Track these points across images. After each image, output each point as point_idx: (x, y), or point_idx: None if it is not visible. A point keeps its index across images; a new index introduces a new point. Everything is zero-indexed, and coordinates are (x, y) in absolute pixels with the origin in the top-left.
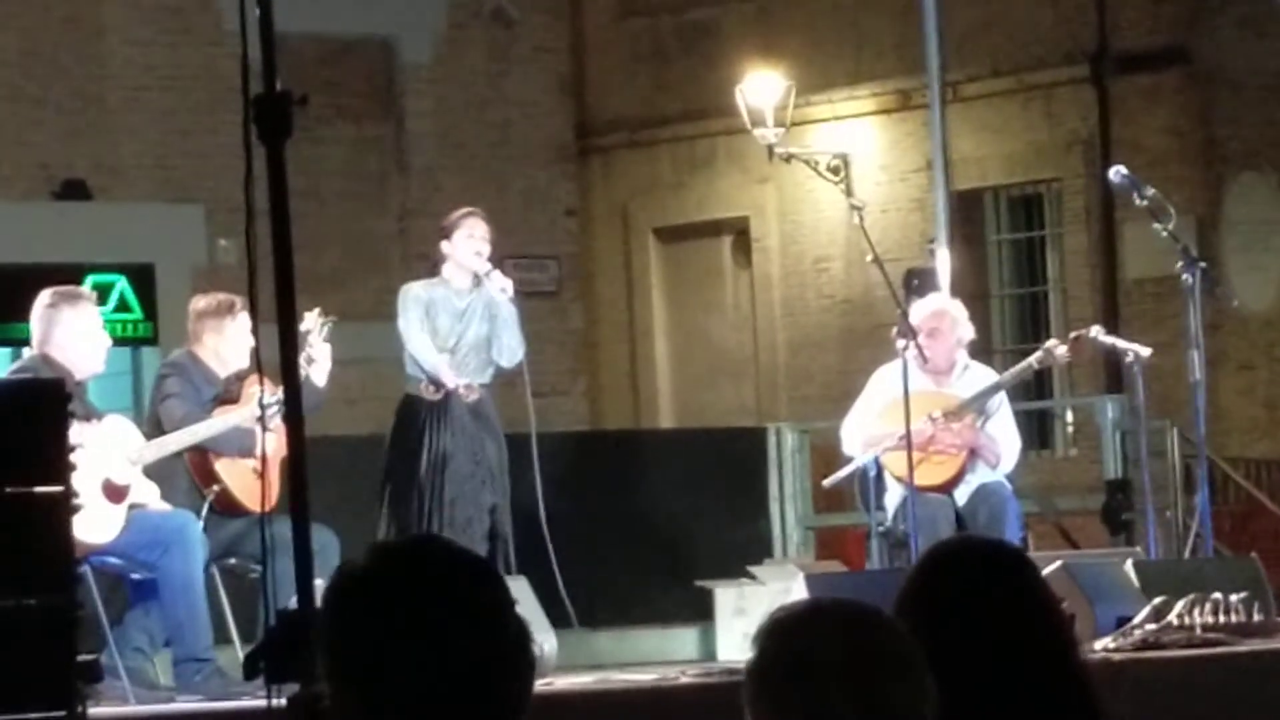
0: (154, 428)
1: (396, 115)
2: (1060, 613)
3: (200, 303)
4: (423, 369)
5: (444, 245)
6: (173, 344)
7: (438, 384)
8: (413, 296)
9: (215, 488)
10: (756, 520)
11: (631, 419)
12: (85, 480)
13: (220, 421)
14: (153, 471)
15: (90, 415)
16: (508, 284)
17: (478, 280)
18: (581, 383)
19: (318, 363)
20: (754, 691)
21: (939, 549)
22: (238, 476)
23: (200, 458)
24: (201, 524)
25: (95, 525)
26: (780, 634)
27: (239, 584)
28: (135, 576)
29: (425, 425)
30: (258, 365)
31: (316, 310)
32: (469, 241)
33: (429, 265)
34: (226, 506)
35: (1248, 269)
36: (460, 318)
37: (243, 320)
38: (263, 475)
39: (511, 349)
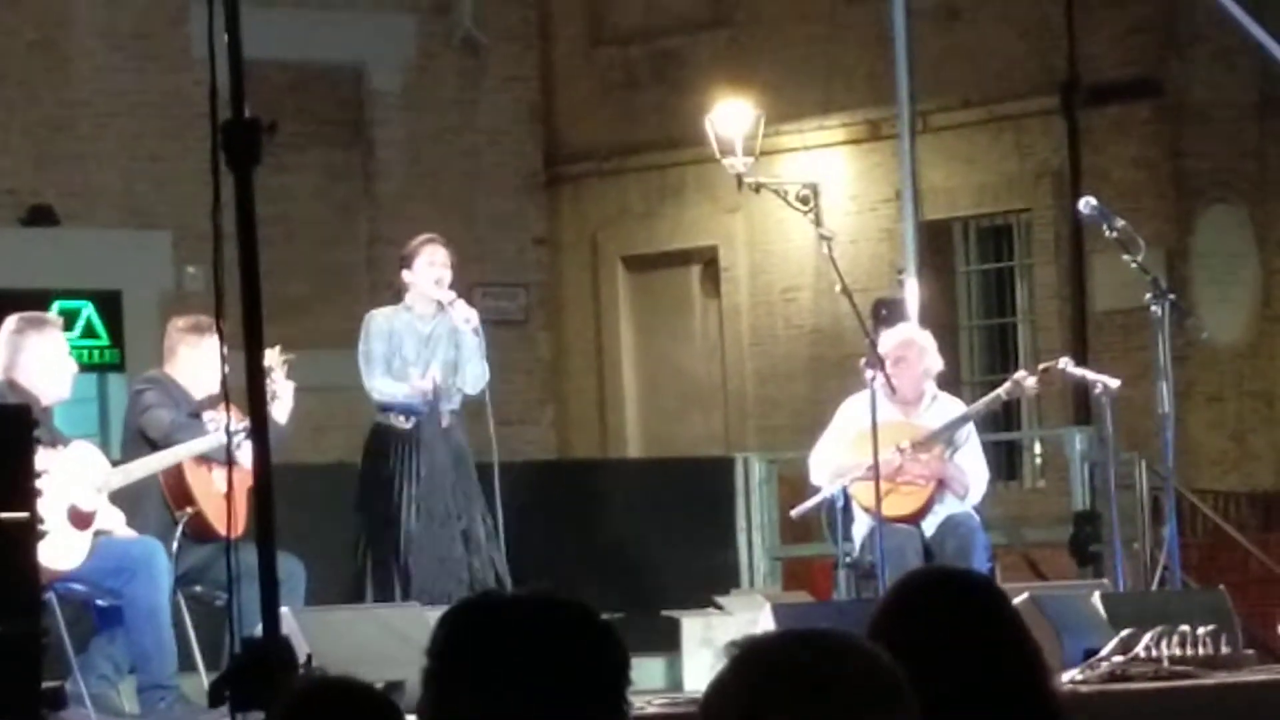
0: (134, 443)
1: (365, 143)
2: (1032, 642)
3: (180, 321)
4: (394, 401)
5: (405, 273)
6: (140, 370)
7: (408, 413)
8: (375, 327)
9: (189, 510)
10: (724, 550)
11: (599, 448)
12: (51, 506)
13: (202, 441)
14: (125, 493)
15: (56, 441)
16: (471, 314)
17: (441, 305)
18: (549, 412)
19: (280, 400)
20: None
21: (909, 579)
22: (212, 499)
23: (175, 479)
24: (175, 545)
25: (61, 552)
26: (757, 658)
27: (204, 611)
28: (100, 603)
29: (397, 455)
30: (224, 392)
31: (277, 347)
32: (429, 269)
33: (392, 292)
34: (198, 530)
35: (1217, 301)
36: (426, 343)
37: (216, 343)
38: (229, 503)
39: (475, 377)
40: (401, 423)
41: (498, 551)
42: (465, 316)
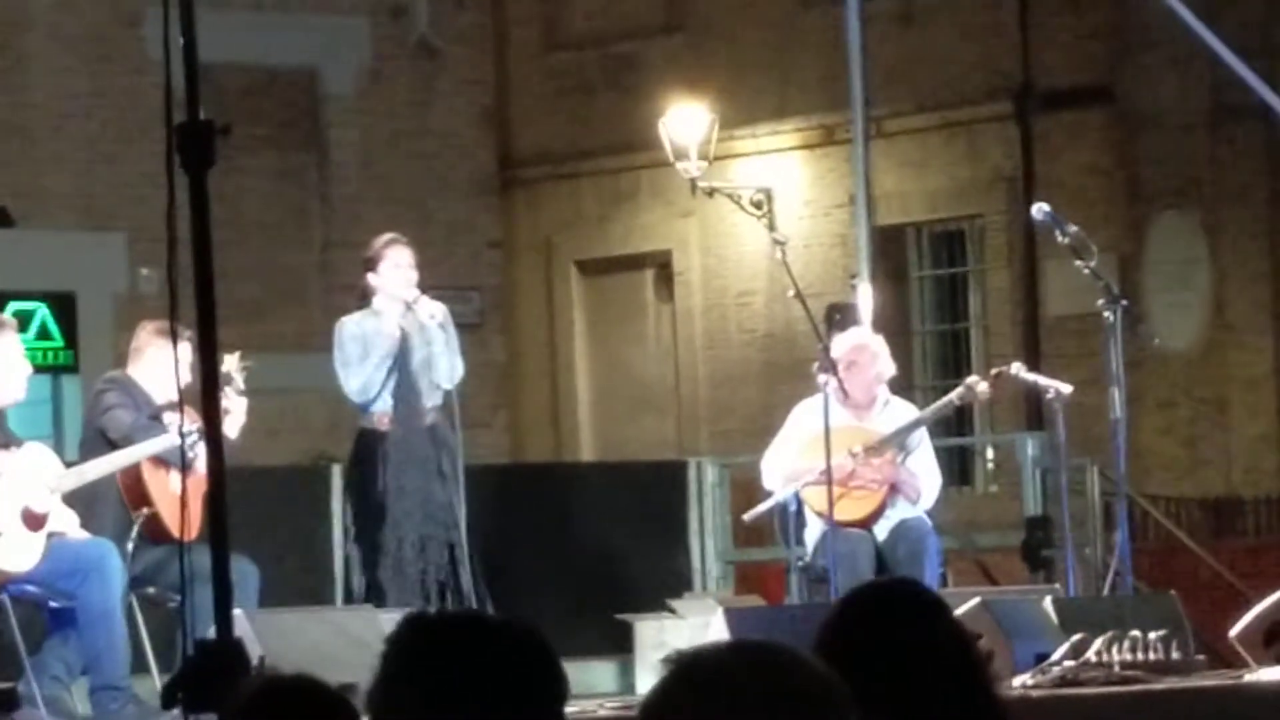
0: (93, 442)
1: (320, 146)
2: (976, 652)
3: (151, 324)
4: (377, 401)
5: (370, 277)
6: (94, 372)
7: (388, 415)
8: (347, 333)
9: (145, 510)
10: (676, 554)
11: (553, 452)
12: (4, 508)
13: (159, 442)
14: (82, 494)
15: (9, 443)
16: (437, 309)
17: (409, 307)
18: (503, 415)
19: (233, 414)
20: None
21: (853, 595)
22: (168, 501)
23: (133, 479)
24: (130, 546)
25: (13, 553)
26: (696, 672)
27: (157, 613)
28: (53, 605)
29: (382, 457)
30: (179, 394)
31: (237, 354)
32: (397, 271)
33: (357, 296)
34: (154, 531)
35: (1169, 307)
36: (395, 346)
37: (186, 347)
38: (183, 504)
39: (449, 370)
40: (385, 424)
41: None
42: (431, 312)
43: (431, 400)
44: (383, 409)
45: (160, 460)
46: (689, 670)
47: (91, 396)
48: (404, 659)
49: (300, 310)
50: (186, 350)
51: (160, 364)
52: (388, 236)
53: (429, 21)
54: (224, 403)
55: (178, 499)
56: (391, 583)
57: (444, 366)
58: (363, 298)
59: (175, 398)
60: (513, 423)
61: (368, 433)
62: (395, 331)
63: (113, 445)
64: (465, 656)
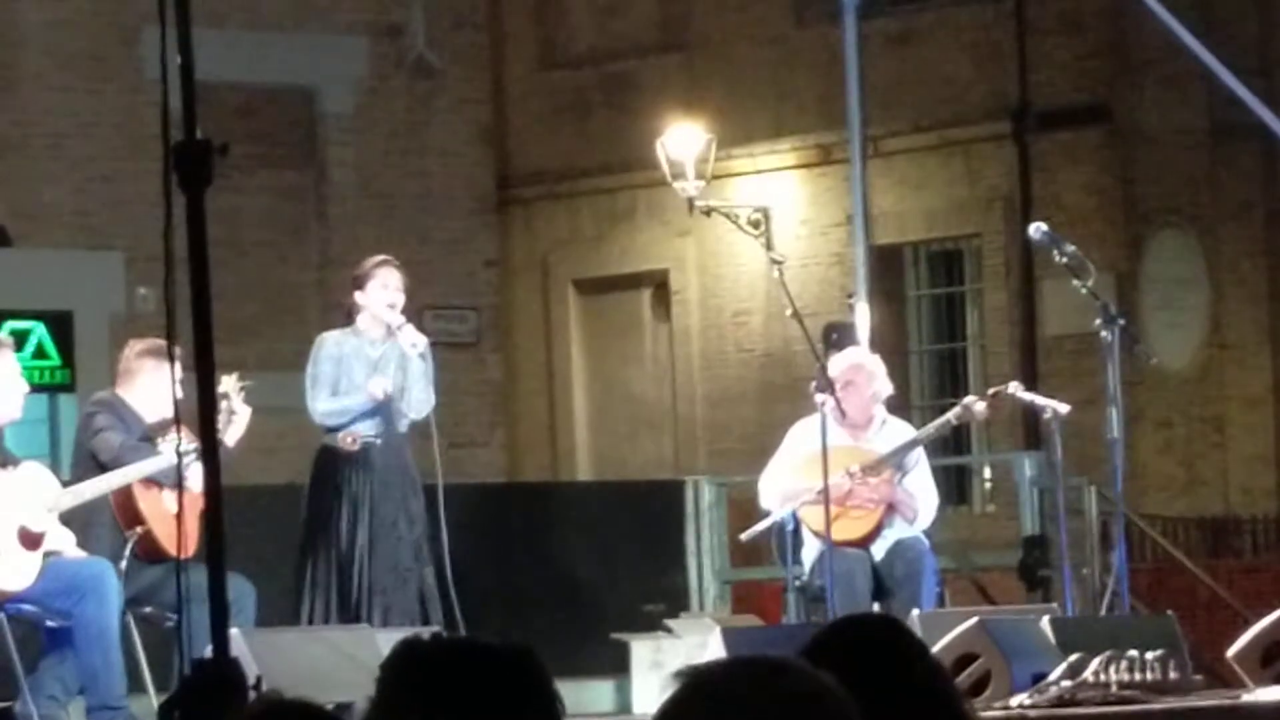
0: (84, 464)
1: (317, 165)
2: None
3: (140, 344)
4: (342, 421)
5: (357, 295)
6: (91, 391)
7: (355, 435)
8: (324, 351)
9: (138, 529)
10: (673, 573)
11: (550, 471)
12: (1, 527)
13: (152, 463)
14: (76, 514)
15: (6, 462)
16: (419, 339)
17: (392, 331)
18: (500, 434)
19: (237, 423)
20: None
21: (826, 631)
22: (161, 520)
23: (125, 499)
24: (124, 565)
25: (10, 572)
26: (705, 687)
27: (154, 632)
28: (50, 624)
29: (344, 477)
30: (176, 413)
31: (235, 374)
32: (382, 292)
33: (343, 314)
34: (148, 550)
35: (1167, 327)
36: (375, 367)
37: (176, 365)
38: (179, 524)
39: (420, 402)
40: (349, 444)
41: (431, 573)
42: (412, 341)
43: (399, 428)
44: (349, 429)
45: (151, 479)
46: (701, 682)
47: (81, 418)
48: (399, 683)
49: (298, 329)
50: (177, 368)
51: (149, 383)
52: (379, 258)
53: (426, 40)
54: (227, 406)
55: (171, 517)
56: (320, 606)
57: (417, 397)
58: (348, 315)
59: (167, 416)
60: (509, 441)
61: (330, 450)
62: (373, 354)
63: (103, 468)
64: (460, 680)
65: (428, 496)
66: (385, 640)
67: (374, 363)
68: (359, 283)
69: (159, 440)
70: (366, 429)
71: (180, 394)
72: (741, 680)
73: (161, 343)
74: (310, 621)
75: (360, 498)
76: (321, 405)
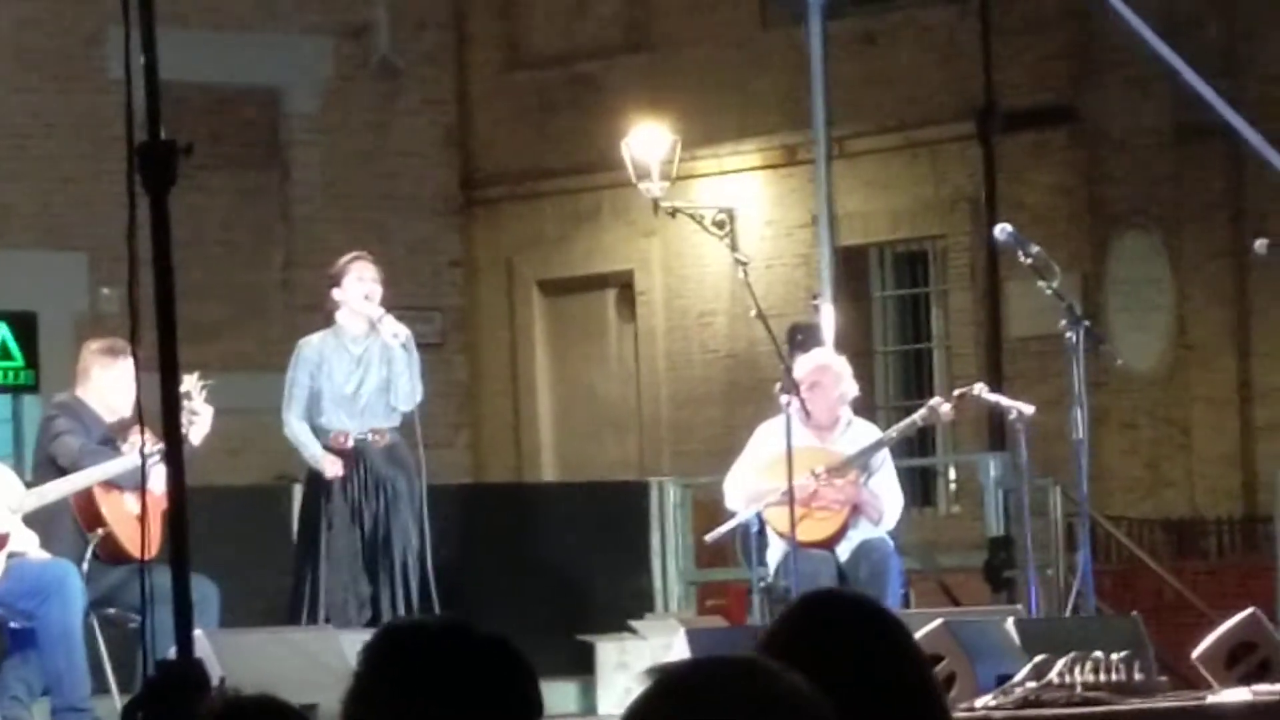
0: (45, 468)
1: (281, 165)
2: (929, 674)
3: (95, 344)
4: (335, 420)
5: (335, 293)
6: (55, 391)
7: (346, 433)
8: (303, 357)
9: (100, 531)
10: (638, 574)
11: (514, 472)
12: None
13: (112, 465)
14: (38, 516)
15: None
16: (400, 329)
17: (373, 325)
18: (464, 435)
19: (199, 423)
20: None
21: (802, 603)
22: (123, 522)
23: (86, 501)
24: (86, 567)
25: None
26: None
27: (118, 633)
28: (14, 625)
29: (341, 477)
30: (139, 414)
31: (196, 374)
32: (358, 284)
33: (324, 315)
34: (110, 552)
35: (1132, 328)
36: (358, 364)
37: (130, 364)
38: (143, 525)
39: (407, 393)
40: (340, 443)
41: (416, 572)
42: (394, 331)
43: (389, 422)
44: (340, 428)
45: (112, 481)
46: (670, 681)
47: (41, 422)
48: (379, 668)
49: (262, 329)
50: (130, 367)
51: (106, 384)
52: (353, 254)
53: (390, 41)
54: (191, 410)
55: (133, 519)
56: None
57: (403, 389)
58: (328, 316)
59: (125, 416)
60: (474, 442)
61: (326, 449)
62: (356, 351)
63: (63, 471)
64: (441, 665)
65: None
66: (349, 642)
67: (356, 359)
68: (335, 279)
69: (120, 441)
70: (356, 427)
71: (136, 393)
72: (711, 680)
73: (119, 342)
74: (313, 621)
75: (357, 495)
76: (290, 424)
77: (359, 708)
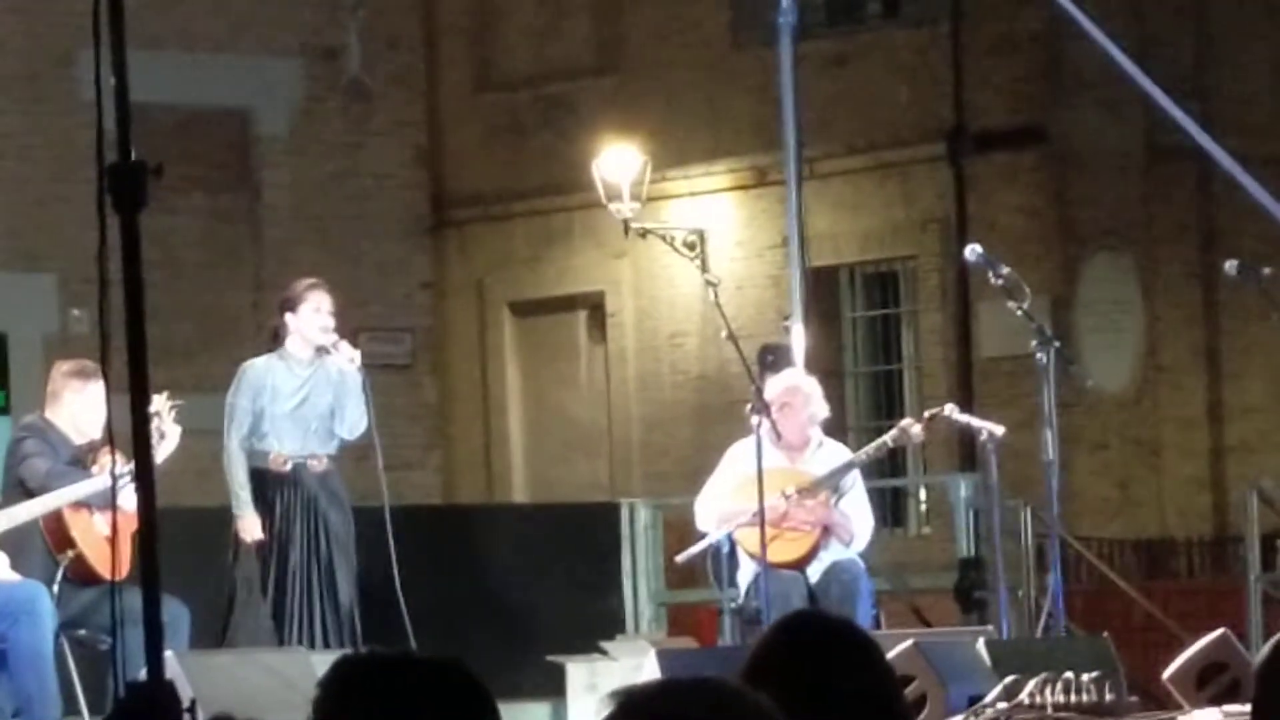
0: (13, 490)
1: (252, 186)
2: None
3: (64, 365)
4: (273, 442)
5: (288, 318)
6: (25, 412)
7: (285, 456)
8: (246, 381)
9: (70, 553)
10: (609, 596)
11: (485, 493)
12: None
13: (82, 486)
14: (8, 537)
15: None
16: (356, 354)
17: (321, 350)
18: (435, 456)
19: (167, 441)
20: None
21: (783, 624)
22: (93, 544)
23: (56, 522)
24: (56, 589)
25: None
26: (640, 708)
27: (89, 655)
28: None
29: (273, 497)
30: (109, 436)
31: (164, 394)
32: (315, 316)
33: (269, 337)
34: (81, 573)
35: (1102, 349)
36: (302, 386)
37: (100, 386)
38: (114, 546)
39: (353, 421)
40: (279, 464)
41: (347, 603)
42: (350, 356)
43: (327, 449)
44: (279, 450)
45: (81, 502)
46: (635, 703)
47: (9, 444)
48: (336, 700)
49: (233, 351)
50: (101, 389)
51: (77, 406)
52: (309, 281)
53: (361, 63)
54: (157, 426)
55: (103, 540)
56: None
57: (351, 416)
58: (275, 338)
59: (95, 438)
60: (444, 463)
61: (260, 472)
62: (302, 374)
63: (30, 494)
64: (398, 695)
65: (374, 518)
66: (320, 664)
67: (299, 384)
68: (290, 305)
69: (90, 463)
70: (295, 450)
71: (106, 415)
72: (675, 701)
73: (89, 364)
74: (238, 642)
75: (291, 517)
76: (230, 450)
77: None
